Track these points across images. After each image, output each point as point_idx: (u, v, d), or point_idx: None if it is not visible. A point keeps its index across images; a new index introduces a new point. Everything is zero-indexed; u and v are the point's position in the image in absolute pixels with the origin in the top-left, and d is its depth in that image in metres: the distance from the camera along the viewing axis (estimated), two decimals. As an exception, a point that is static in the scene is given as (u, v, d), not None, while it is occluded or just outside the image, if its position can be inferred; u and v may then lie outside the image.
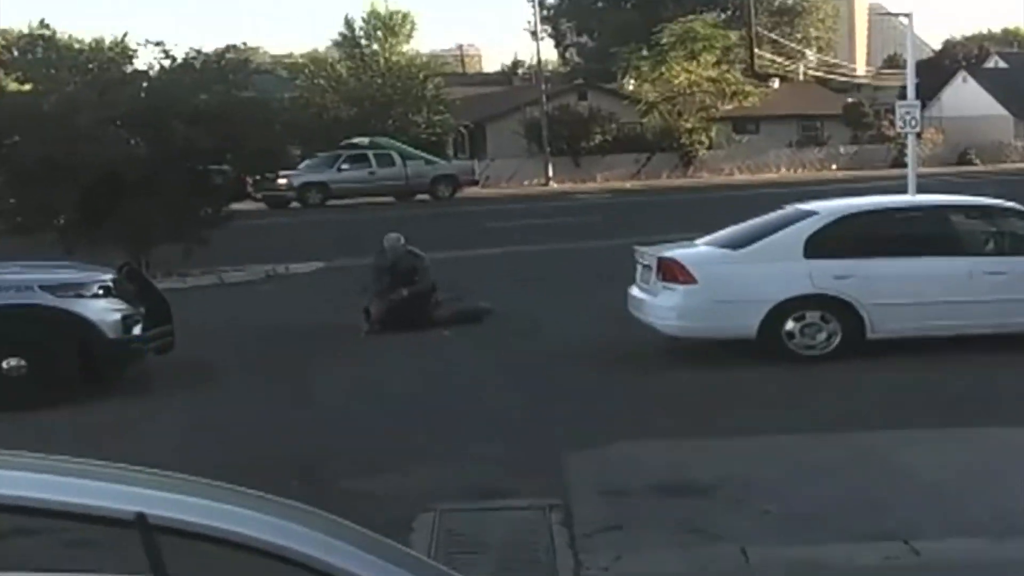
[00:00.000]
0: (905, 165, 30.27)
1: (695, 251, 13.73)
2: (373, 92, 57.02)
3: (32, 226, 21.69)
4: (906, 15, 31.53)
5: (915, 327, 12.77)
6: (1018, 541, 7.15)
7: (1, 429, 10.09)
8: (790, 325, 12.71)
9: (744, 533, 7.30)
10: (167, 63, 23.41)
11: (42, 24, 58.96)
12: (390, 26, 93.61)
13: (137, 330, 12.37)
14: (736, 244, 13.46)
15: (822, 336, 12.73)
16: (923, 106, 33.06)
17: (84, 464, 2.31)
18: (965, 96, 66.88)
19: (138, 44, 24.92)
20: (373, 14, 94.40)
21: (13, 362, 11.66)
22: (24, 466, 2.24)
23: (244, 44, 40.04)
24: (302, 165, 45.24)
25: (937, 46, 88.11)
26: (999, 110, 65.20)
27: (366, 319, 15.75)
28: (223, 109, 22.10)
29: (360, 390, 12.36)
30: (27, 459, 2.31)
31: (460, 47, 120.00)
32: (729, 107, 60.10)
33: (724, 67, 60.21)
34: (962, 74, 70.50)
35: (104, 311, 12.16)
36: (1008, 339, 12.79)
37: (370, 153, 47.25)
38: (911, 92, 27.47)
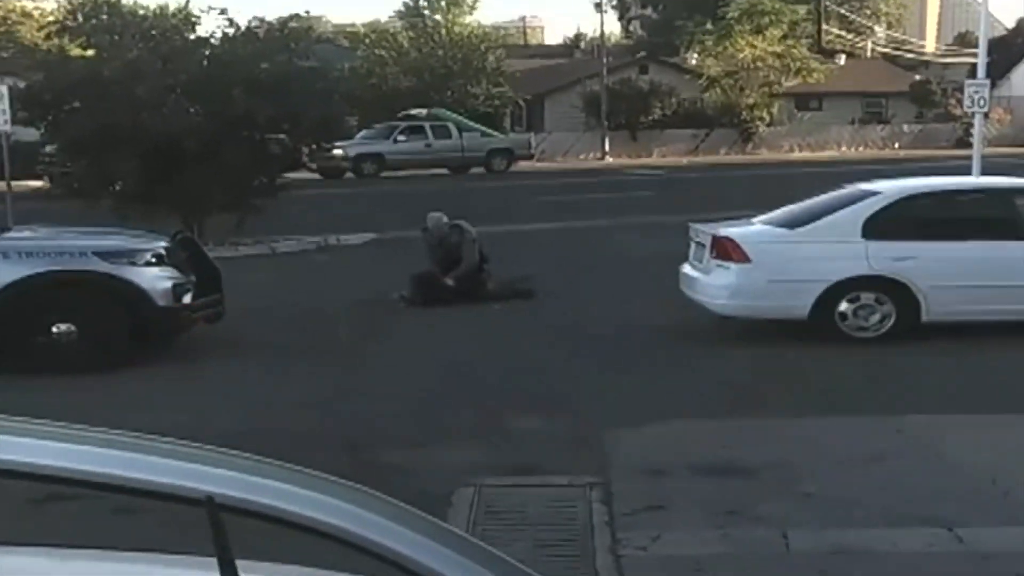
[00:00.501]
0: (970, 145, 29.83)
1: (751, 230, 13.57)
2: (433, 63, 56.96)
3: (88, 191, 21.89)
4: (983, -8, 30.95)
5: (971, 311, 12.58)
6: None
7: (45, 391, 10.18)
8: (844, 306, 12.56)
9: (786, 516, 7.21)
10: (230, 31, 23.43)
11: (107, -11, 59.17)
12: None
13: (187, 299, 12.43)
14: (793, 223, 13.31)
15: (875, 318, 12.57)
16: (992, 85, 32.52)
17: (154, 441, 2.30)
18: (1036, 75, 65.70)
19: (201, 11, 24.97)
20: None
21: (63, 327, 11.75)
22: (94, 441, 2.22)
23: (307, 13, 40.03)
24: (358, 136, 45.35)
25: (1011, 24, 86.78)
26: (1070, 90, 64.00)
27: (403, 298, 15.76)
28: (283, 79, 22.11)
29: (404, 363, 12.33)
30: (97, 434, 2.30)
31: (523, 19, 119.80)
32: (792, 83, 59.51)
33: (790, 42, 59.62)
34: (1034, 53, 69.22)
35: (156, 279, 12.22)
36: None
37: (427, 125, 47.23)
38: (981, 71, 27.04)
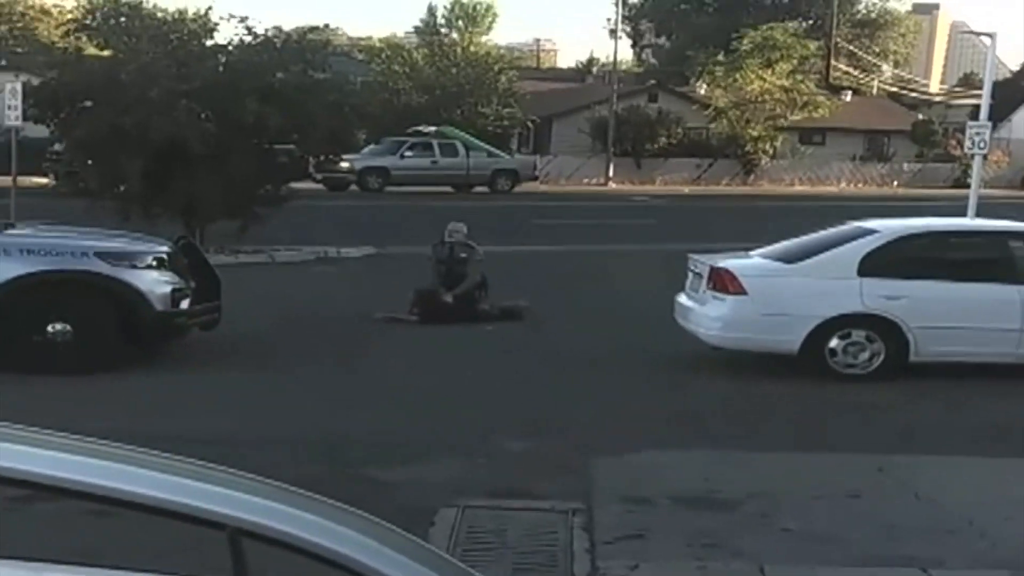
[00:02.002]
0: (967, 186, 29.97)
1: (748, 262, 13.69)
2: (446, 81, 57.15)
3: (95, 191, 21.99)
4: (989, 35, 31.15)
5: (960, 352, 12.68)
6: (1041, 576, 7.09)
7: (35, 393, 10.27)
8: (834, 342, 12.65)
9: (764, 550, 7.28)
10: (248, 39, 23.57)
11: (128, -9, 59.51)
12: (472, 16, 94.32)
13: (185, 304, 12.54)
14: (791, 258, 13.41)
15: (865, 355, 12.67)
16: (993, 127, 32.69)
17: (180, 461, 2.35)
18: (1037, 119, 66.01)
19: (221, 18, 25.05)
20: (457, 3, 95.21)
21: (59, 326, 11.83)
22: (118, 458, 2.28)
23: (326, 25, 40.17)
24: (365, 149, 45.45)
25: (1015, 66, 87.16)
26: (1070, 135, 64.30)
27: (409, 311, 15.91)
28: (297, 89, 22.25)
29: (395, 379, 12.42)
30: (127, 451, 2.36)
31: (537, 41, 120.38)
32: (797, 117, 59.71)
33: (799, 77, 59.83)
34: (1037, 97, 69.50)
35: (155, 283, 12.32)
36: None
37: (435, 142, 47.36)
38: (984, 113, 27.23)
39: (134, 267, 12.31)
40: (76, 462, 2.20)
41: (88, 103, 22.23)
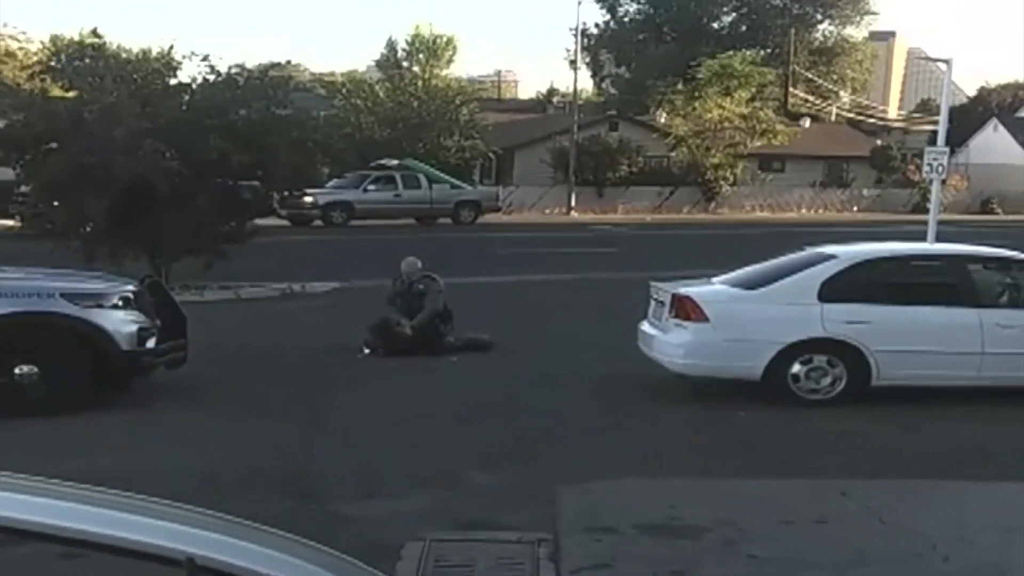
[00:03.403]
0: (926, 211, 30.29)
1: (710, 289, 13.79)
2: (408, 114, 57.30)
3: (61, 232, 21.95)
4: (945, 61, 31.60)
5: (921, 376, 12.84)
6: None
7: (1, 435, 10.25)
8: (796, 368, 12.77)
9: (729, 577, 7.37)
10: (211, 77, 23.63)
11: (93, 33, 59.33)
12: (432, 50, 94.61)
13: (151, 343, 12.52)
14: (752, 284, 13.53)
15: (827, 380, 12.79)
16: (951, 152, 33.09)
17: (136, 499, 2.37)
18: (994, 144, 66.89)
19: (183, 57, 25.11)
20: (417, 37, 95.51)
21: (25, 368, 11.77)
22: (81, 498, 2.31)
23: (288, 62, 40.27)
24: (329, 184, 45.48)
25: (972, 92, 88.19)
26: (1026, 160, 65.12)
27: (367, 343, 15.96)
28: (260, 126, 22.31)
29: (360, 413, 12.46)
30: (84, 491, 2.38)
31: (498, 73, 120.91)
32: (757, 144, 60.22)
33: (757, 104, 60.37)
34: (993, 122, 70.52)
35: (121, 322, 12.30)
36: (1017, 394, 12.86)
37: (398, 175, 47.44)
38: (941, 138, 27.56)
39: (100, 307, 12.28)
40: (36, 504, 2.23)
41: (54, 144, 22.22)
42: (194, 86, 23.94)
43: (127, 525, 2.19)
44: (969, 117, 69.90)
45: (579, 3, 66.19)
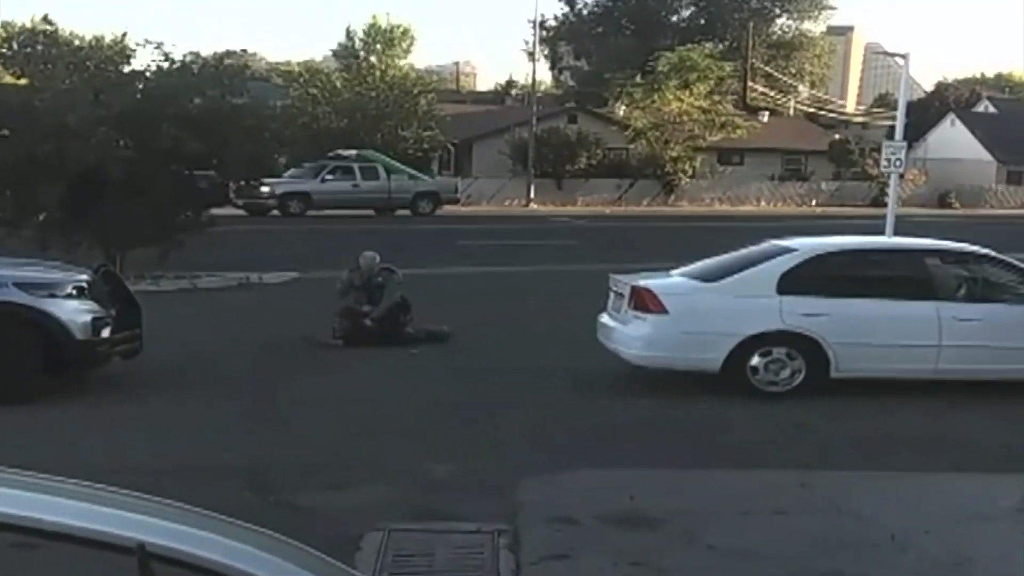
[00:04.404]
0: (885, 204, 30.48)
1: (669, 282, 13.79)
2: (365, 104, 57.09)
3: (13, 220, 21.69)
4: (902, 56, 31.74)
5: (879, 368, 12.91)
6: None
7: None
8: (755, 360, 12.79)
9: (689, 568, 7.37)
10: (165, 65, 23.41)
11: (45, 19, 58.64)
12: (389, 39, 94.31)
13: (106, 333, 12.38)
14: (711, 276, 13.55)
15: (786, 373, 12.82)
16: (909, 147, 33.31)
17: (86, 487, 2.33)
18: (951, 139, 67.51)
19: (137, 44, 24.84)
20: (374, 27, 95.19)
21: (-24, 358, 11.64)
22: (28, 485, 2.27)
23: (243, 51, 40.09)
24: (286, 174, 45.26)
25: (930, 87, 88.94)
26: (983, 154, 65.87)
27: (332, 335, 15.90)
28: (214, 115, 22.12)
29: (319, 404, 12.37)
30: (31, 478, 2.34)
31: (456, 64, 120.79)
32: (716, 138, 60.46)
33: (716, 98, 60.58)
34: (951, 117, 71.16)
35: (75, 312, 12.15)
36: (973, 386, 12.93)
37: (355, 166, 47.23)
38: (899, 133, 27.74)
39: (53, 296, 12.13)
40: None
41: (5, 132, 21.94)
42: (148, 74, 23.70)
43: (77, 512, 2.16)
44: (927, 112, 70.47)
45: (537, -6, 66.17)
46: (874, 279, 13.69)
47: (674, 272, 14.22)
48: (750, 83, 70.45)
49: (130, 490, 2.40)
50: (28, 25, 61.08)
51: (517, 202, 57.15)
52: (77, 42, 56.64)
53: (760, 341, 12.82)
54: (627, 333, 13.20)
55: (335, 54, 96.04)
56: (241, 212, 39.49)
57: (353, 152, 48.94)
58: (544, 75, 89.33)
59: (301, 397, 12.74)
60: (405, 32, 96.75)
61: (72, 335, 11.99)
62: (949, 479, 9.75)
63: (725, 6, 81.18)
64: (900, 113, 28.51)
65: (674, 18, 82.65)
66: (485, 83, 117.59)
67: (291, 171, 46.01)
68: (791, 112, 75.03)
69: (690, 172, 60.40)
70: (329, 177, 46.36)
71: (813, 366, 12.79)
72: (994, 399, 12.76)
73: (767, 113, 69.03)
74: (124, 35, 26.56)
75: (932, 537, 8.04)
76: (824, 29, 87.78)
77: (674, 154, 59.49)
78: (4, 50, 52.34)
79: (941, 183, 63.79)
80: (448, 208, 48.24)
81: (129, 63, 25.30)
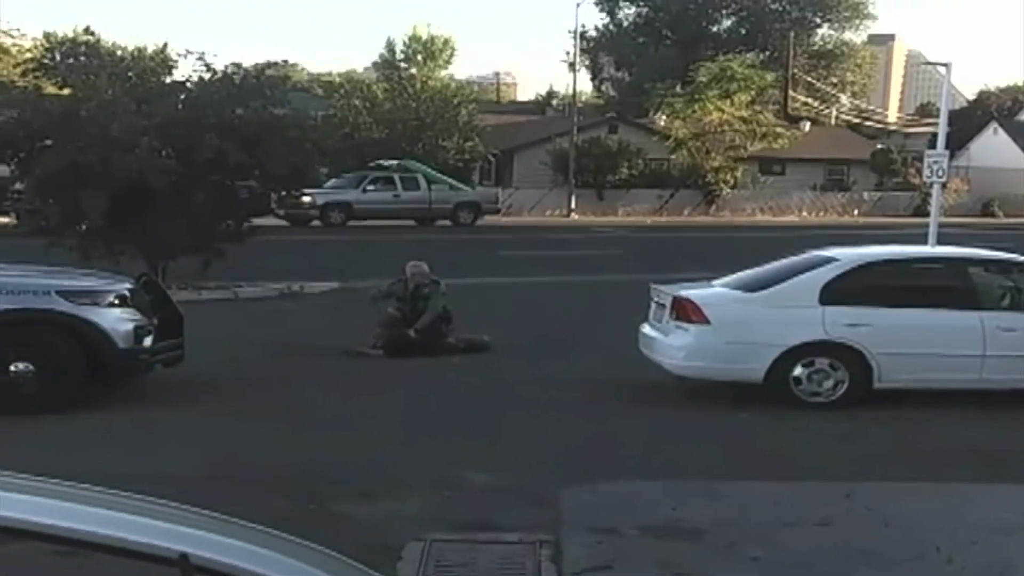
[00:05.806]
0: (927, 214, 30.22)
1: (711, 292, 13.73)
2: (406, 115, 57.24)
3: (56, 230, 21.86)
4: (944, 64, 31.45)
5: (923, 379, 12.78)
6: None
7: None
8: (798, 371, 12.70)
9: (732, 579, 7.30)
10: (207, 75, 23.54)
11: (87, 30, 59.14)
12: (430, 50, 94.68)
13: (148, 341, 12.43)
14: (753, 287, 13.47)
15: (829, 383, 12.73)
16: (951, 155, 33.03)
17: (130, 499, 2.34)
18: (994, 147, 66.92)
19: (179, 55, 25.01)
20: (414, 38, 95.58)
21: (21, 366, 11.70)
22: (71, 497, 2.28)
23: (285, 61, 40.13)
24: (327, 184, 45.43)
25: (972, 96, 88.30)
26: (1027, 163, 65.15)
27: (373, 344, 15.92)
28: (256, 125, 22.22)
29: (359, 413, 12.36)
30: (78, 490, 2.34)
31: (497, 75, 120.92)
32: (757, 148, 60.19)
33: (757, 108, 60.37)
34: (993, 125, 70.59)
35: (118, 320, 12.20)
36: (1018, 396, 12.79)
37: (396, 176, 47.36)
38: (941, 142, 27.49)
39: (96, 305, 12.19)
40: (29, 503, 2.19)
41: (48, 141, 22.12)
42: (190, 84, 23.83)
43: (120, 524, 2.16)
44: (969, 121, 69.97)
45: (578, 5, 66.18)
46: (917, 289, 13.60)
47: (716, 282, 14.15)
48: (791, 93, 70.16)
49: (171, 500, 2.40)
50: (70, 36, 61.66)
51: (558, 212, 57.10)
52: (119, 53, 57.05)
53: (803, 352, 12.73)
54: (669, 343, 13.14)
55: (375, 65, 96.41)
56: (283, 222, 39.63)
57: (394, 162, 49.07)
58: (585, 85, 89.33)
59: (341, 406, 12.74)
60: (446, 43, 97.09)
61: (115, 343, 12.04)
62: (994, 490, 9.63)
63: (766, 16, 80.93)
64: (942, 122, 28.28)
65: (715, 28, 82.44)
66: (526, 94, 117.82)
67: (332, 181, 46.18)
68: (833, 122, 74.63)
69: (731, 182, 60.14)
70: (370, 187, 46.51)
71: (856, 377, 12.69)
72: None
73: (809, 123, 68.65)
74: (165, 45, 26.65)
75: (978, 548, 7.95)
76: (865, 38, 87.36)
77: (715, 164, 59.29)
78: (46, 60, 52.75)
79: (984, 192, 63.21)
80: (489, 218, 48.26)
81: (171, 73, 25.42)
